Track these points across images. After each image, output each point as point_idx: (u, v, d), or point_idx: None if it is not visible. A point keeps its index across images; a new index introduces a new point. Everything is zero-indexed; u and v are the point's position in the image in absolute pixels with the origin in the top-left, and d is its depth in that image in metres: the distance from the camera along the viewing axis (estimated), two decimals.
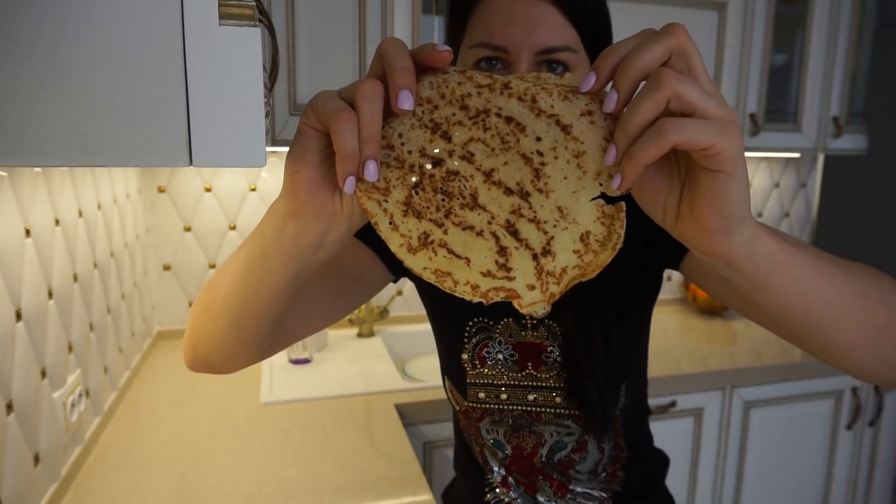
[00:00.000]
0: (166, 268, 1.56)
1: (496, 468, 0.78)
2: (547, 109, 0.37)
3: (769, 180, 2.04)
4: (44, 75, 0.29)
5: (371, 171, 0.36)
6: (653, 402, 1.35)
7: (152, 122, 0.31)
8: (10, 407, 0.76)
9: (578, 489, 0.75)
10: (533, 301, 0.38)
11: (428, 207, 0.38)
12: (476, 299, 0.38)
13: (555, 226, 0.37)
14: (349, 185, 0.36)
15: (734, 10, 1.53)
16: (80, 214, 1.03)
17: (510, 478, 0.77)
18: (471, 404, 0.75)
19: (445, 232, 0.38)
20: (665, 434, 1.40)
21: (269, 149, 1.35)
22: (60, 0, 0.29)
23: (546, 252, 0.37)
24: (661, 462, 0.84)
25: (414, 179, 0.38)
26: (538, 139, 0.37)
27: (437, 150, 0.37)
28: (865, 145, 1.75)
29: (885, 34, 1.75)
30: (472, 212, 0.38)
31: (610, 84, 0.36)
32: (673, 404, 1.38)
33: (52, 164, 0.30)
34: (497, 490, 0.78)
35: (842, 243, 1.93)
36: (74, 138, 0.30)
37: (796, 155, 2.03)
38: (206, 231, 1.57)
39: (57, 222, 0.93)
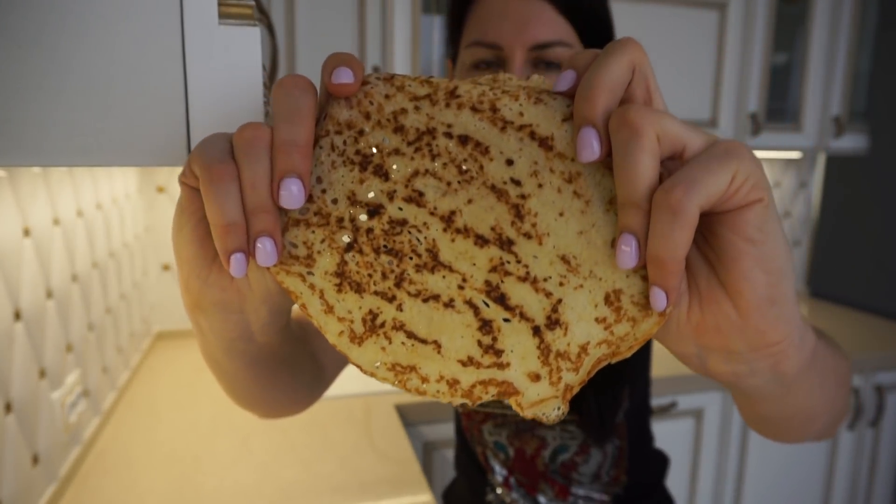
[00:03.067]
0: (165, 268, 1.56)
1: (498, 468, 0.78)
2: (514, 119, 0.26)
3: (769, 180, 2.03)
4: (43, 75, 0.29)
5: (265, 253, 0.25)
6: (653, 402, 1.35)
7: (152, 122, 0.31)
8: (8, 407, 0.75)
9: (580, 492, 0.75)
10: (539, 398, 0.26)
11: (371, 276, 0.27)
12: (457, 401, 0.27)
13: (561, 283, 0.26)
14: (236, 265, 0.26)
15: (734, 10, 1.53)
16: (80, 214, 1.03)
17: (512, 478, 0.77)
18: (474, 407, 0.75)
19: (400, 308, 0.27)
20: (666, 434, 1.40)
21: None
22: (60, 0, 0.29)
23: (553, 323, 0.26)
24: (661, 462, 0.84)
25: (346, 239, 0.27)
26: (509, 162, 0.26)
27: (371, 194, 0.27)
28: (866, 145, 1.75)
29: (886, 33, 1.75)
30: (433, 274, 0.27)
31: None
32: (673, 405, 1.38)
33: (51, 164, 0.30)
34: (498, 490, 0.78)
35: (842, 243, 1.93)
36: (74, 138, 0.30)
37: (797, 155, 2.03)
38: None
39: (56, 222, 0.92)
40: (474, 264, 0.27)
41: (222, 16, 0.31)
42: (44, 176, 0.89)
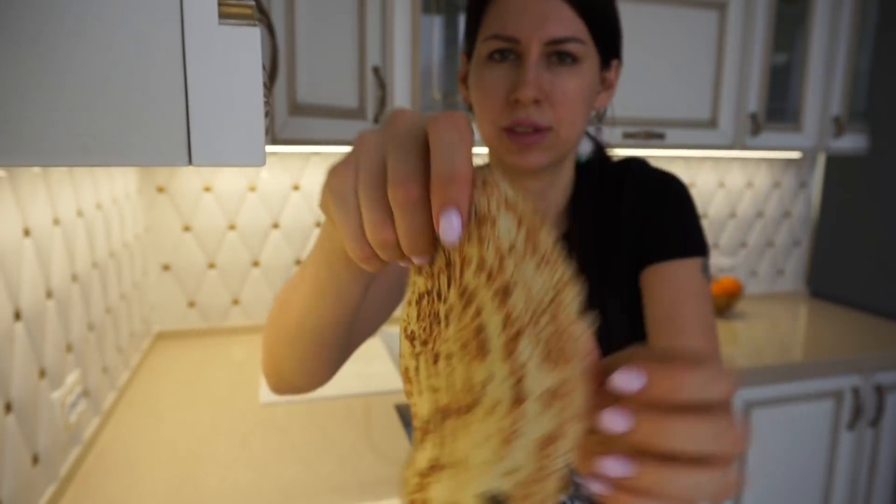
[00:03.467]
0: (165, 268, 1.56)
1: None
2: (535, 393, 0.25)
3: (769, 180, 2.04)
4: (43, 75, 0.29)
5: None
6: None
7: (152, 122, 0.31)
8: (8, 407, 0.75)
9: (580, 480, 0.75)
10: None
11: (422, 322, 0.30)
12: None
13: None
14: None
15: (734, 10, 1.53)
16: (80, 214, 1.03)
17: None
18: None
19: (419, 360, 0.31)
20: None
21: (268, 148, 1.35)
22: None
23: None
24: None
25: (426, 287, 0.30)
26: (484, 384, 0.26)
27: (433, 312, 0.29)
28: (866, 145, 1.75)
29: (886, 33, 1.75)
30: (430, 377, 0.30)
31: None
32: None
33: (51, 163, 0.30)
34: None
35: (842, 243, 1.93)
36: (74, 138, 0.30)
37: (797, 155, 2.03)
38: (206, 231, 1.57)
39: (56, 222, 0.92)
40: (435, 403, 0.29)
41: (222, 16, 0.31)
42: (44, 176, 0.89)
